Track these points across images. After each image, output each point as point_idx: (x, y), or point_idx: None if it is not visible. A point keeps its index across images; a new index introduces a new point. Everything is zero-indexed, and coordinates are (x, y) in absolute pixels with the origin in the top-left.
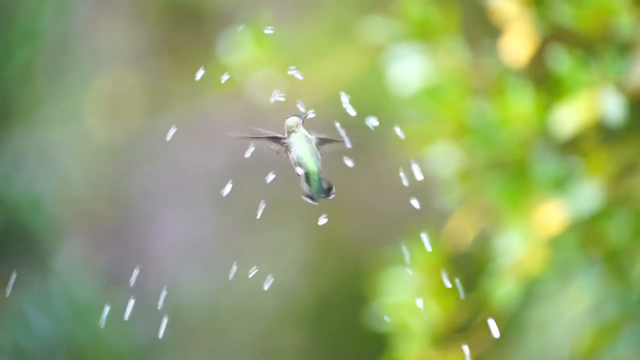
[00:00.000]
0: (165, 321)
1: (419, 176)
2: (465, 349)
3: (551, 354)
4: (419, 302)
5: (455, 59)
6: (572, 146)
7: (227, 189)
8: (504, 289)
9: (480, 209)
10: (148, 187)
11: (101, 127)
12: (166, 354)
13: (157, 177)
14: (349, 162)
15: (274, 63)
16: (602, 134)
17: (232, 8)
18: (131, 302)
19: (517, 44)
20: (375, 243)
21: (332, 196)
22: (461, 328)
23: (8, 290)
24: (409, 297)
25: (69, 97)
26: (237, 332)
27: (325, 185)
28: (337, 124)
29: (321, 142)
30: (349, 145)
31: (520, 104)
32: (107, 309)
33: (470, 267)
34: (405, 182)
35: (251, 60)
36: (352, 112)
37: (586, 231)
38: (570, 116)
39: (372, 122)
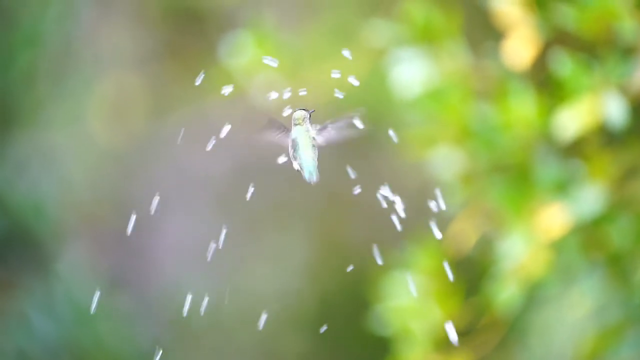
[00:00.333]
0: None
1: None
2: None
3: (554, 357)
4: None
5: (458, 62)
6: (574, 150)
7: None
8: (506, 292)
9: (483, 212)
10: (151, 190)
11: (104, 131)
12: (169, 357)
13: (160, 180)
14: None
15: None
16: (605, 137)
17: (234, 11)
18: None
19: (520, 47)
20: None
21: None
22: (464, 332)
23: (11, 294)
24: (411, 301)
25: (72, 101)
26: (240, 336)
27: (315, 179)
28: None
29: (321, 130)
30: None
31: (523, 108)
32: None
33: (472, 271)
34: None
35: (253, 64)
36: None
37: (589, 235)
38: (573, 120)
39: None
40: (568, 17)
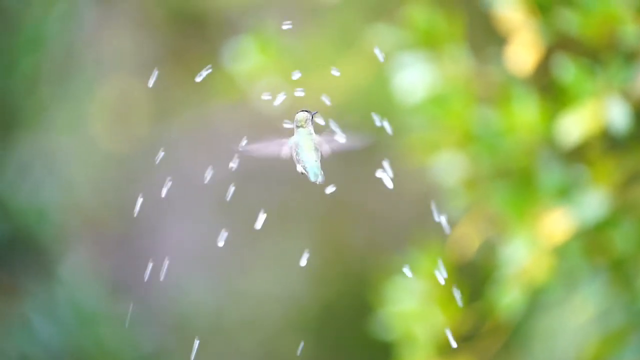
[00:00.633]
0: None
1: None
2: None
3: None
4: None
5: (460, 67)
6: (577, 155)
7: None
8: (509, 297)
9: (486, 217)
10: (153, 195)
11: (106, 135)
12: None
13: (162, 184)
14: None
15: (280, 71)
16: (608, 142)
17: (237, 16)
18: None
19: (522, 52)
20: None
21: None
22: (467, 337)
23: (13, 298)
24: (414, 306)
25: (74, 104)
26: (242, 340)
27: (321, 179)
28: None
29: (328, 141)
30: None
31: (526, 113)
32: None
33: (475, 276)
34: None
35: (256, 69)
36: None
37: (591, 240)
38: (576, 125)
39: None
40: (571, 22)
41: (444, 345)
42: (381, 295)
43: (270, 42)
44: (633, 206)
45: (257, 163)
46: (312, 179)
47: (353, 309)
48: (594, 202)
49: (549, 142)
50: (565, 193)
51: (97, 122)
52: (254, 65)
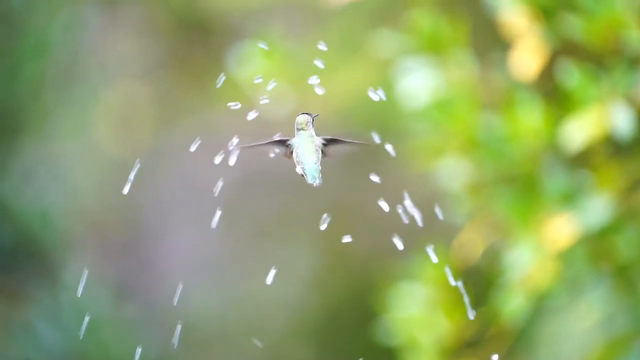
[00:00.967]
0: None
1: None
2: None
3: None
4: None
5: (465, 72)
6: (581, 160)
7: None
8: (513, 302)
9: (490, 222)
10: (157, 200)
11: (111, 141)
12: None
13: (166, 190)
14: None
15: (284, 76)
16: (612, 148)
17: (241, 22)
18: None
19: (527, 57)
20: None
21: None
22: (471, 342)
23: (17, 303)
24: (418, 311)
25: (78, 110)
26: (245, 346)
27: (318, 181)
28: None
29: (329, 142)
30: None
31: (530, 118)
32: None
33: (480, 281)
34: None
35: (261, 74)
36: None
37: (596, 245)
38: (580, 130)
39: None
40: (575, 27)
41: (449, 350)
42: (385, 300)
43: (274, 48)
44: (637, 212)
45: (260, 169)
46: (310, 181)
47: (356, 314)
48: (598, 207)
49: (553, 148)
50: (569, 198)
51: (101, 128)
52: (258, 71)
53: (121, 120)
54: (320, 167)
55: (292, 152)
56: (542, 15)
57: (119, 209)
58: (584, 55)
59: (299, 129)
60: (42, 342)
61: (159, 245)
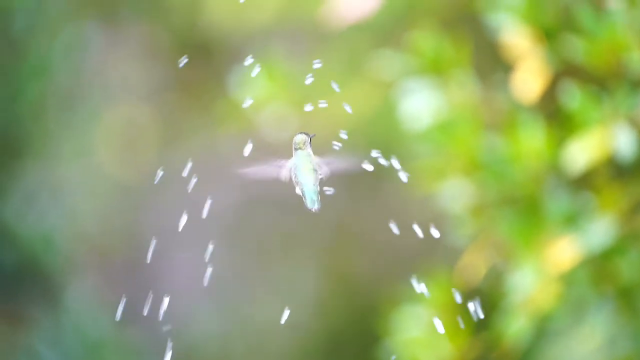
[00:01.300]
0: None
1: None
2: None
3: None
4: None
5: (467, 93)
6: (584, 182)
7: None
8: (516, 325)
9: (492, 244)
10: (160, 223)
11: (113, 163)
12: None
13: (169, 213)
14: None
15: (286, 98)
16: (615, 170)
17: (244, 43)
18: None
19: (529, 79)
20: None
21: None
22: None
23: (19, 327)
24: (421, 334)
25: (80, 133)
26: None
27: (317, 206)
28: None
29: (328, 163)
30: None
31: (532, 140)
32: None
33: (482, 303)
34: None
35: (263, 96)
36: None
37: (598, 267)
38: (582, 152)
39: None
40: (577, 49)
41: None
42: (388, 323)
43: (276, 69)
44: None
45: (263, 191)
46: (309, 205)
47: (359, 337)
48: (600, 229)
49: (556, 170)
50: (572, 220)
51: (103, 150)
52: (260, 92)
53: (124, 143)
54: (318, 189)
55: (290, 173)
56: (544, 37)
57: (122, 231)
58: (586, 77)
59: (296, 149)
60: None
61: (161, 267)
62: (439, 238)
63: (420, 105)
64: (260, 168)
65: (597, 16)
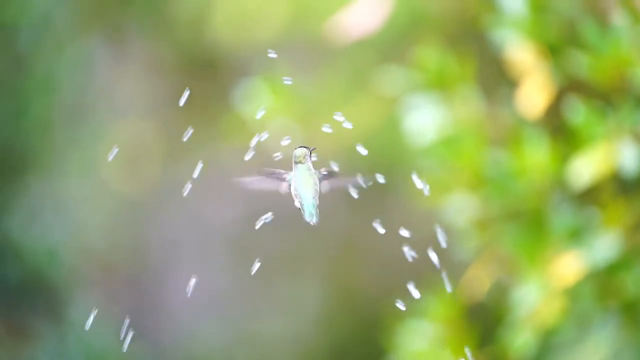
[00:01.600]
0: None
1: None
2: None
3: None
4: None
5: (471, 109)
6: (588, 197)
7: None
8: (521, 339)
9: (497, 259)
10: (164, 237)
11: (118, 178)
12: None
13: (174, 227)
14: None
15: (290, 113)
16: (619, 185)
17: (248, 59)
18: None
19: (533, 94)
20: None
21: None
22: None
23: (24, 341)
24: (425, 348)
25: (86, 148)
26: None
27: (315, 219)
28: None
29: (328, 176)
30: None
31: (537, 155)
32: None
33: (487, 318)
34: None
35: (267, 111)
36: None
37: (603, 282)
38: (587, 167)
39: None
40: (582, 64)
41: None
42: (392, 337)
43: (280, 85)
44: None
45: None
46: (307, 218)
47: (364, 351)
48: (605, 244)
49: (560, 184)
50: (576, 235)
51: (108, 165)
52: (264, 107)
53: (128, 158)
54: (317, 203)
55: (290, 186)
56: (549, 52)
57: (126, 246)
58: (591, 93)
59: (296, 162)
60: None
61: (166, 282)
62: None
63: (425, 120)
64: (260, 180)
65: (601, 32)
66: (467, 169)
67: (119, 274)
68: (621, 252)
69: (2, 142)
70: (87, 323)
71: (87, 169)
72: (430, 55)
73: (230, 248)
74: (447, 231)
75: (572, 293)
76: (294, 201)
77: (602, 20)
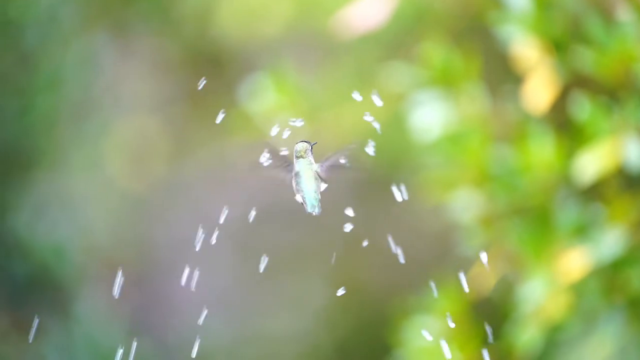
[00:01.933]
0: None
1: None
2: None
3: None
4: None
5: (477, 105)
6: (594, 193)
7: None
8: (526, 335)
9: (503, 255)
10: (170, 234)
11: (124, 175)
12: None
13: (179, 224)
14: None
15: (296, 110)
16: (624, 180)
17: (253, 55)
18: None
19: (539, 90)
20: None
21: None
22: None
23: (30, 337)
24: (431, 345)
25: (91, 145)
26: None
27: (317, 211)
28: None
29: (330, 168)
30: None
31: (542, 151)
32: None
33: (493, 314)
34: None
35: (272, 107)
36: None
37: (609, 278)
38: (592, 163)
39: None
40: (587, 60)
41: None
42: (397, 334)
43: (286, 81)
44: None
45: (273, 202)
46: (309, 209)
47: (369, 348)
48: (611, 240)
49: (566, 180)
50: (582, 231)
51: (114, 162)
52: (269, 104)
53: (134, 155)
54: (319, 196)
55: (291, 181)
56: (554, 48)
57: (132, 243)
58: (596, 88)
59: (297, 157)
60: None
61: (171, 279)
62: (450, 248)
63: (430, 116)
64: (267, 169)
65: (606, 27)
66: (472, 165)
67: (125, 271)
68: (627, 247)
69: (8, 139)
70: (93, 319)
71: (93, 166)
72: (436, 51)
73: (236, 245)
74: (453, 228)
75: (578, 289)
76: (295, 195)
77: (607, 16)
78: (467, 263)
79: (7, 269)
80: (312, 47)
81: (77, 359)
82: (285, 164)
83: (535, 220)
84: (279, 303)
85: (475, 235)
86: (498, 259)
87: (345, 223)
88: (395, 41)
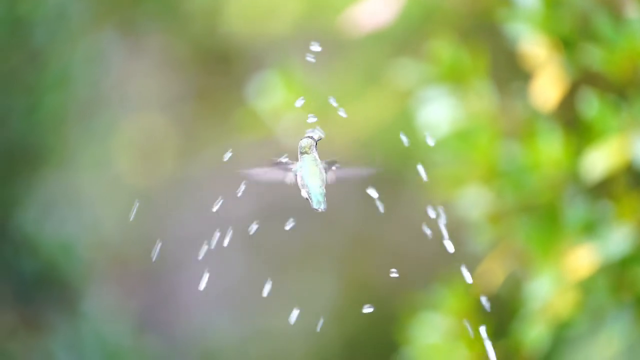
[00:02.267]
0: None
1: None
2: None
3: None
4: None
5: (485, 102)
6: (602, 190)
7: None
8: (534, 332)
9: (511, 252)
10: (178, 231)
11: (132, 172)
12: None
13: (187, 222)
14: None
15: (304, 107)
16: (633, 178)
17: (262, 53)
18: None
19: (547, 87)
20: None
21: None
22: None
23: (38, 334)
24: (439, 342)
25: (100, 142)
26: None
27: (323, 206)
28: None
29: (333, 166)
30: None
31: (550, 148)
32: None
33: (501, 311)
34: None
35: (281, 104)
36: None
37: (617, 275)
38: (600, 160)
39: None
40: (595, 57)
41: None
42: (406, 331)
43: (294, 78)
44: None
45: (281, 198)
46: (315, 206)
47: (377, 344)
48: (619, 237)
49: (574, 178)
50: (590, 228)
51: (122, 160)
52: (278, 101)
53: (142, 152)
54: (325, 191)
55: (296, 177)
56: (562, 45)
57: (140, 240)
58: (604, 86)
59: (302, 153)
60: None
61: (179, 276)
62: (458, 245)
63: (439, 113)
64: (267, 171)
65: (615, 25)
66: (481, 162)
67: (133, 268)
68: (635, 245)
69: (16, 136)
70: (101, 316)
71: (101, 164)
72: (444, 48)
73: (244, 243)
74: (461, 224)
75: (586, 286)
76: (301, 192)
77: (616, 13)
78: (475, 260)
79: (15, 266)
80: (320, 44)
81: (84, 356)
82: (285, 166)
83: (544, 218)
84: (287, 299)
85: (483, 232)
86: (506, 256)
87: (352, 220)
88: (404, 39)
